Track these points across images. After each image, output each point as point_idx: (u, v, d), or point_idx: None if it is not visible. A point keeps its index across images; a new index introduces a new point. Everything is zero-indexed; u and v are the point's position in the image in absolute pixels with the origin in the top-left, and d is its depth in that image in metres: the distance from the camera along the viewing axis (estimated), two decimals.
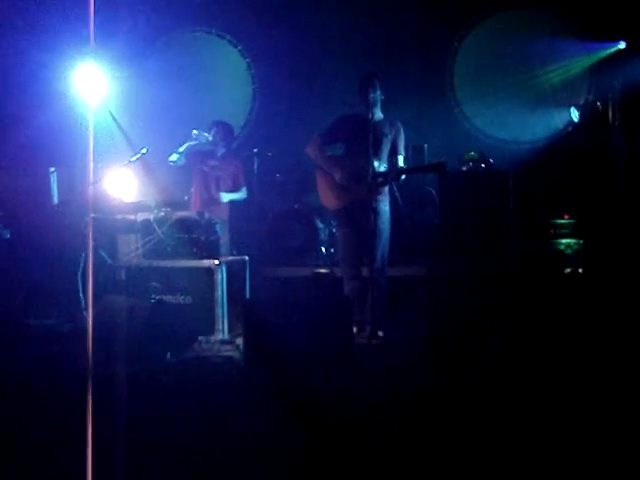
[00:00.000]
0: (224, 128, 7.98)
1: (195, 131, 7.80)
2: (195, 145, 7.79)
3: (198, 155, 7.96)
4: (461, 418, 4.50)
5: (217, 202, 7.80)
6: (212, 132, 7.83)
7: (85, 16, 3.43)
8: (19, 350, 6.04)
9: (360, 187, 6.69)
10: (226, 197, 7.85)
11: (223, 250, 7.43)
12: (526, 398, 4.68)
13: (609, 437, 4.06)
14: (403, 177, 6.85)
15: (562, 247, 8.01)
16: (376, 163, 6.68)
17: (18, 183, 8.57)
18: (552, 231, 8.12)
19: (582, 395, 4.68)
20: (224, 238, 7.63)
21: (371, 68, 7.43)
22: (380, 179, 6.77)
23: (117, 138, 8.87)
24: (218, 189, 7.89)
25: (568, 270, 7.90)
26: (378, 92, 6.80)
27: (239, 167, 8.04)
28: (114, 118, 8.68)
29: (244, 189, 8.02)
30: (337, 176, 6.83)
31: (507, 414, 4.51)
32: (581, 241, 8.00)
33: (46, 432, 4.53)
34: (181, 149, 7.78)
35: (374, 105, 6.73)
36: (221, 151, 7.92)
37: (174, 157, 7.79)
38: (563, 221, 8.17)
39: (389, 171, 6.82)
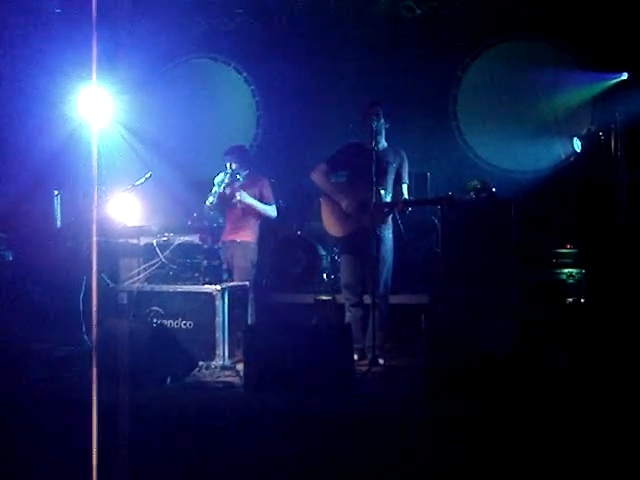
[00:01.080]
0: (236, 153, 7.78)
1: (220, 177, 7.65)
2: (223, 182, 7.58)
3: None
4: (460, 447, 4.48)
5: (244, 224, 7.68)
6: (228, 163, 7.63)
7: (89, 40, 3.46)
8: (19, 373, 6.02)
9: (365, 215, 6.70)
10: (246, 197, 7.54)
11: (249, 273, 7.49)
12: (527, 428, 4.66)
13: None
14: (409, 209, 6.86)
15: (564, 276, 8.02)
16: (382, 192, 6.69)
17: (22, 205, 8.59)
18: (554, 260, 8.13)
19: (579, 427, 4.66)
20: (249, 263, 7.58)
21: (375, 97, 7.45)
22: (386, 209, 6.78)
23: (122, 161, 8.93)
24: (241, 218, 7.70)
25: (570, 300, 7.89)
26: (382, 120, 6.83)
27: (265, 184, 7.78)
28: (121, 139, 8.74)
29: (273, 207, 7.76)
30: (343, 204, 6.83)
31: (508, 444, 4.49)
32: (583, 271, 8.00)
33: (47, 457, 4.52)
34: (213, 190, 7.52)
35: (378, 133, 6.77)
36: (243, 174, 7.74)
37: (210, 199, 7.45)
38: (565, 250, 8.18)
39: (396, 202, 6.83)
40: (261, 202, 7.67)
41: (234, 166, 7.53)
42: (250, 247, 7.63)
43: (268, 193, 7.76)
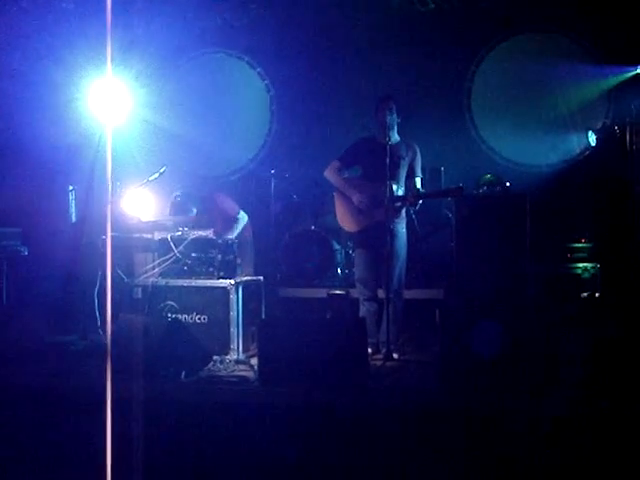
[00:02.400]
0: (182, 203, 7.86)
1: None
2: None
3: None
4: (475, 441, 4.48)
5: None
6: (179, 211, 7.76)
7: (103, 35, 3.46)
8: (35, 367, 6.05)
9: (378, 210, 6.70)
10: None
11: (248, 269, 7.49)
12: (540, 421, 4.65)
13: None
14: (420, 201, 6.85)
15: (579, 271, 7.98)
16: (394, 186, 6.68)
17: (36, 201, 8.63)
18: (569, 255, 8.10)
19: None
20: (250, 258, 7.65)
21: (388, 91, 7.43)
22: (398, 203, 6.78)
23: (137, 155, 8.95)
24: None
25: (585, 294, 7.86)
26: (395, 115, 6.82)
27: (220, 203, 7.89)
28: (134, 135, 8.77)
29: (240, 215, 7.82)
30: (355, 199, 6.83)
31: (523, 436, 4.49)
32: (598, 265, 7.97)
33: (61, 450, 4.55)
34: None
35: (391, 128, 6.75)
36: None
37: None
38: (580, 245, 8.14)
39: (407, 195, 6.82)
40: (226, 218, 7.75)
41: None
42: (248, 245, 7.79)
43: (230, 208, 7.87)
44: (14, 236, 8.05)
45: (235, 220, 7.70)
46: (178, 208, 7.70)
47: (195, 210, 7.72)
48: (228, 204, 7.81)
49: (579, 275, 7.98)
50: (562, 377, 5.22)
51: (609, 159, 8.44)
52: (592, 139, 8.74)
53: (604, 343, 5.36)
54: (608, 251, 8.10)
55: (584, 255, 8.08)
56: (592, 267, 7.97)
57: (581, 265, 7.98)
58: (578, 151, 9.26)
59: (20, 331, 6.49)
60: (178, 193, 7.83)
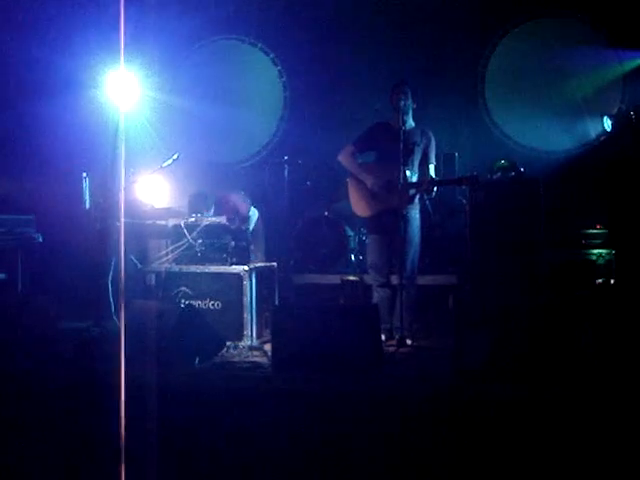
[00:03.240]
0: (197, 202, 7.87)
1: None
2: None
3: None
4: (489, 427, 4.47)
5: None
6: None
7: (116, 22, 3.46)
8: (49, 353, 6.08)
9: (392, 195, 6.68)
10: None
11: (259, 257, 7.52)
12: (556, 409, 4.64)
13: None
14: (435, 189, 6.83)
15: (594, 257, 7.95)
16: (408, 172, 6.67)
17: (50, 188, 8.65)
18: (584, 241, 8.06)
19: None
20: (260, 246, 7.67)
21: (402, 76, 7.40)
22: (412, 190, 6.76)
23: (150, 142, 8.96)
24: None
25: (600, 280, 7.83)
26: (409, 100, 6.80)
27: (231, 202, 7.88)
28: (148, 122, 8.77)
29: (251, 212, 7.91)
30: (369, 184, 6.83)
31: (536, 424, 4.47)
32: (613, 251, 7.93)
33: (76, 436, 4.57)
34: None
35: (405, 113, 6.73)
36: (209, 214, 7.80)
37: None
38: (595, 231, 8.10)
39: (421, 182, 6.80)
40: (239, 217, 7.71)
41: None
42: (259, 235, 7.82)
43: (241, 207, 7.88)
44: (28, 223, 8.08)
45: (247, 218, 7.74)
46: (195, 207, 7.69)
47: (212, 210, 7.75)
48: (239, 203, 7.81)
49: (594, 261, 7.94)
50: (575, 362, 5.20)
51: (625, 144, 8.38)
52: (607, 124, 8.68)
53: (618, 330, 5.33)
54: (623, 237, 8.05)
55: (599, 241, 8.04)
56: (607, 253, 7.93)
57: (596, 251, 7.94)
58: (593, 136, 9.20)
59: (34, 318, 6.51)
60: (192, 194, 7.82)
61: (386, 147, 6.75)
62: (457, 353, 5.47)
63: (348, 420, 4.66)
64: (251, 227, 7.76)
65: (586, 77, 9.20)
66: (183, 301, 6.68)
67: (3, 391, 5.07)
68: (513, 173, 8.13)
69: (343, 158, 7.03)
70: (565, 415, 4.56)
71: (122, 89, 7.92)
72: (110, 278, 7.25)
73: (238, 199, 7.86)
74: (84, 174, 8.75)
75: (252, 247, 7.32)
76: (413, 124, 6.91)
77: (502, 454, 4.30)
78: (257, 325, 6.66)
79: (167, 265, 6.91)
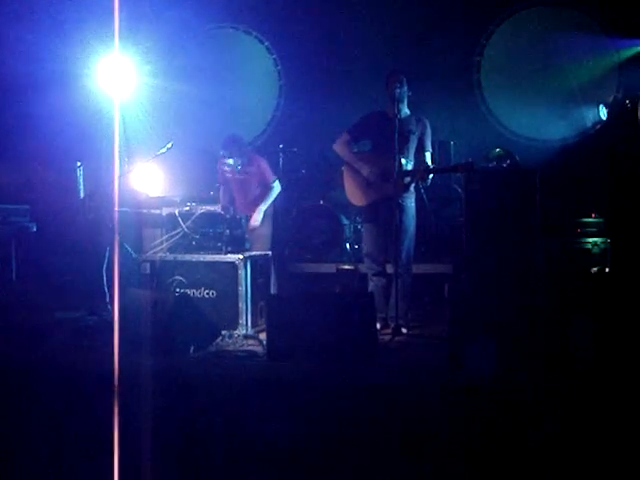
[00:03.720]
0: (235, 146, 7.63)
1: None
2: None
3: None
4: (483, 416, 4.47)
5: (257, 197, 7.71)
6: (228, 158, 7.65)
7: (111, 11, 3.44)
8: (45, 342, 6.07)
9: (387, 184, 6.67)
10: (262, 211, 7.58)
11: (268, 243, 7.55)
12: (548, 398, 4.64)
13: None
14: (431, 177, 6.81)
15: (589, 246, 7.95)
16: (403, 160, 6.65)
17: (45, 177, 8.64)
18: (579, 230, 8.06)
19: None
20: (267, 231, 7.65)
21: (398, 64, 7.39)
22: (407, 178, 6.74)
23: (144, 131, 8.93)
24: (248, 194, 7.73)
25: (595, 269, 7.83)
26: (404, 88, 6.77)
27: (262, 165, 7.74)
28: (141, 111, 8.74)
29: (275, 183, 7.72)
30: (364, 173, 6.81)
31: (530, 413, 4.47)
32: (608, 240, 7.93)
33: (70, 425, 4.56)
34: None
35: (400, 101, 6.71)
36: (239, 161, 7.70)
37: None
38: (590, 220, 8.10)
39: (416, 170, 6.78)
40: (262, 185, 7.70)
41: (232, 160, 7.55)
42: (269, 213, 7.66)
43: (268, 173, 7.74)
44: (23, 213, 8.08)
45: (270, 188, 7.68)
46: (237, 149, 7.60)
47: (243, 160, 7.67)
48: (266, 169, 7.75)
49: (589, 250, 7.95)
50: (571, 353, 5.20)
51: (620, 133, 8.37)
52: (603, 113, 8.69)
53: (613, 320, 5.33)
54: (618, 226, 8.05)
55: (594, 230, 8.04)
56: (602, 242, 7.93)
57: (591, 240, 7.94)
58: (589, 125, 9.20)
59: (29, 307, 6.50)
60: (237, 136, 7.71)
61: (381, 136, 6.72)
62: (451, 342, 5.47)
63: (343, 409, 4.66)
64: (272, 197, 7.68)
65: (582, 65, 9.21)
66: (178, 290, 6.67)
67: None
68: (508, 161, 8.13)
69: (338, 147, 7.01)
70: (559, 406, 4.57)
71: (117, 78, 7.90)
72: (105, 267, 7.24)
73: (265, 164, 7.76)
74: (78, 163, 8.72)
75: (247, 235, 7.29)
76: (408, 112, 6.88)
77: (497, 442, 4.30)
78: (252, 314, 6.64)
79: (162, 254, 6.89)
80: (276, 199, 7.77)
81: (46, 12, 9.04)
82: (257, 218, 7.50)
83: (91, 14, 8.65)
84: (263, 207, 7.58)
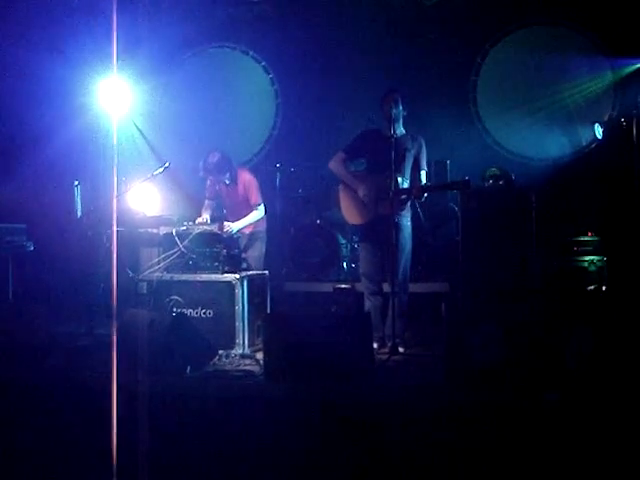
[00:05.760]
0: (216, 169, 7.60)
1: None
2: None
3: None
4: (480, 435, 4.47)
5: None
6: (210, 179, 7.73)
7: (109, 31, 3.46)
8: (41, 362, 6.06)
9: (383, 203, 6.68)
10: (239, 225, 7.44)
11: (262, 262, 7.53)
12: (547, 416, 4.64)
13: None
14: (426, 194, 6.82)
15: (586, 264, 7.95)
16: (400, 179, 6.66)
17: (42, 196, 8.64)
18: (575, 248, 8.07)
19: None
20: (259, 253, 7.64)
21: (394, 84, 7.42)
22: (403, 196, 6.75)
23: (141, 150, 8.95)
24: (238, 210, 7.67)
25: (592, 287, 7.84)
26: (400, 108, 6.79)
27: (247, 185, 7.69)
28: (139, 130, 8.76)
29: (260, 207, 7.65)
30: (360, 192, 6.81)
31: (525, 432, 4.47)
32: (605, 258, 7.94)
33: (67, 444, 4.55)
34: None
35: (396, 121, 6.73)
36: (225, 177, 7.65)
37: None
38: (587, 238, 8.11)
39: (412, 188, 6.78)
40: (247, 201, 7.65)
41: (220, 180, 7.65)
42: (261, 237, 7.66)
43: (254, 195, 7.66)
44: (19, 232, 8.05)
45: (251, 208, 7.64)
46: (215, 168, 7.58)
47: (228, 176, 7.66)
48: (253, 191, 7.69)
49: (585, 268, 7.95)
50: (566, 371, 5.20)
51: (616, 152, 8.41)
52: (598, 132, 8.72)
53: (609, 337, 5.33)
54: (614, 244, 8.07)
55: (590, 248, 8.05)
56: (598, 260, 7.94)
57: (587, 258, 7.95)
58: (584, 144, 9.24)
59: (26, 326, 6.49)
60: (217, 154, 7.68)
61: (377, 154, 6.74)
62: (448, 362, 5.47)
63: (340, 428, 4.65)
64: (250, 221, 7.57)
65: (577, 85, 9.24)
66: (174, 309, 6.67)
67: None
68: (504, 181, 8.16)
69: (334, 166, 7.02)
70: (556, 422, 4.57)
71: (114, 97, 7.92)
72: (102, 286, 7.24)
73: (253, 185, 7.72)
74: (75, 182, 8.75)
75: (244, 255, 7.31)
76: (404, 131, 6.90)
77: (494, 460, 4.30)
78: (249, 333, 6.64)
79: (159, 273, 6.90)
80: (269, 221, 7.79)
81: (45, 32, 9.08)
82: (232, 226, 7.30)
83: (89, 33, 8.70)
84: (241, 224, 7.44)
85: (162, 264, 6.96)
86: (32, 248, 8.08)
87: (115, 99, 7.91)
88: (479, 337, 5.33)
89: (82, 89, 8.78)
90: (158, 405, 4.78)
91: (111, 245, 3.90)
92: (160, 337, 5.88)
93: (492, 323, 5.41)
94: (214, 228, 7.00)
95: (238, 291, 6.58)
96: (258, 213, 7.65)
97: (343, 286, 8.10)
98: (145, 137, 9.37)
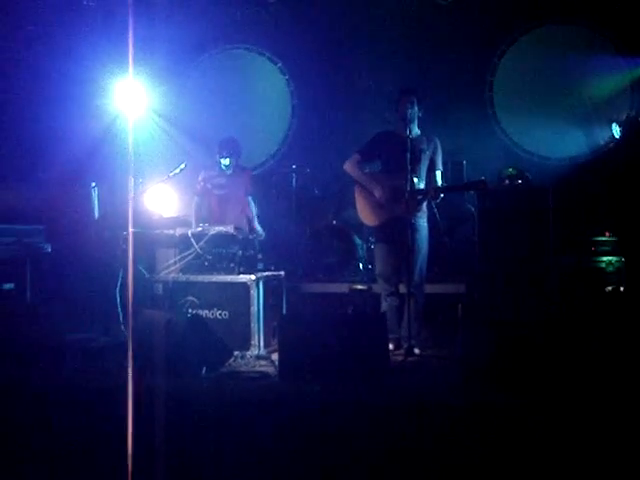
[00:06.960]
0: (236, 148, 7.90)
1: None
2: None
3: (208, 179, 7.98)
4: (497, 437, 4.45)
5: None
6: (225, 159, 7.84)
7: (124, 32, 3.46)
8: (57, 363, 6.08)
9: (399, 204, 6.66)
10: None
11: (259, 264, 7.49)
12: (564, 418, 4.61)
13: None
14: (442, 195, 6.80)
15: (603, 265, 7.91)
16: (415, 180, 6.65)
17: (60, 198, 8.67)
18: (593, 248, 8.03)
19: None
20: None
21: (410, 84, 7.40)
22: (419, 196, 6.73)
23: (158, 151, 8.98)
24: (227, 212, 7.87)
25: (609, 288, 7.79)
26: (416, 108, 6.78)
27: (247, 177, 7.99)
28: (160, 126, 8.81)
29: (249, 198, 7.94)
30: (376, 193, 6.80)
31: (545, 434, 4.45)
32: (623, 259, 7.89)
33: (83, 446, 4.56)
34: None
35: (411, 121, 6.72)
36: (233, 164, 7.88)
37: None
38: (604, 238, 8.07)
39: (428, 189, 6.77)
40: (244, 196, 7.95)
41: (228, 160, 7.77)
42: None
43: (250, 185, 7.96)
44: (37, 233, 8.10)
45: (243, 203, 7.85)
46: (232, 146, 7.90)
47: (234, 163, 7.90)
48: (249, 182, 7.95)
49: (603, 269, 7.91)
50: (586, 371, 5.17)
51: (633, 151, 8.35)
52: (616, 131, 8.66)
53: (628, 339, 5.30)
54: (633, 244, 8.02)
55: (608, 249, 8.01)
56: (617, 261, 7.89)
57: (605, 259, 7.91)
58: (602, 143, 9.19)
59: (43, 328, 6.53)
60: (230, 136, 7.93)
61: (392, 155, 6.72)
62: (465, 363, 5.45)
63: (355, 429, 4.64)
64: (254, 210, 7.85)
65: (594, 84, 9.20)
66: (190, 311, 6.69)
67: (12, 401, 5.08)
68: (521, 181, 8.13)
69: (349, 167, 7.00)
70: (573, 424, 4.54)
71: (131, 98, 7.95)
72: (118, 288, 7.26)
73: (246, 213, 7.87)
74: (93, 184, 8.77)
75: (260, 256, 7.31)
76: (419, 132, 6.88)
77: (509, 463, 4.27)
78: (264, 334, 6.65)
79: (174, 275, 6.92)
80: (285, 222, 7.88)
81: (61, 34, 9.12)
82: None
83: (105, 35, 8.74)
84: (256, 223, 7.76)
85: (178, 265, 6.98)
86: (49, 250, 8.12)
87: (131, 101, 7.94)
88: (496, 338, 5.32)
89: (99, 91, 8.82)
90: (174, 406, 4.78)
91: (128, 246, 3.89)
92: (176, 338, 5.88)
93: (509, 324, 5.39)
94: (230, 229, 7.01)
95: (253, 292, 6.59)
96: (251, 203, 7.88)
97: (359, 287, 8.08)
98: (161, 139, 9.43)
